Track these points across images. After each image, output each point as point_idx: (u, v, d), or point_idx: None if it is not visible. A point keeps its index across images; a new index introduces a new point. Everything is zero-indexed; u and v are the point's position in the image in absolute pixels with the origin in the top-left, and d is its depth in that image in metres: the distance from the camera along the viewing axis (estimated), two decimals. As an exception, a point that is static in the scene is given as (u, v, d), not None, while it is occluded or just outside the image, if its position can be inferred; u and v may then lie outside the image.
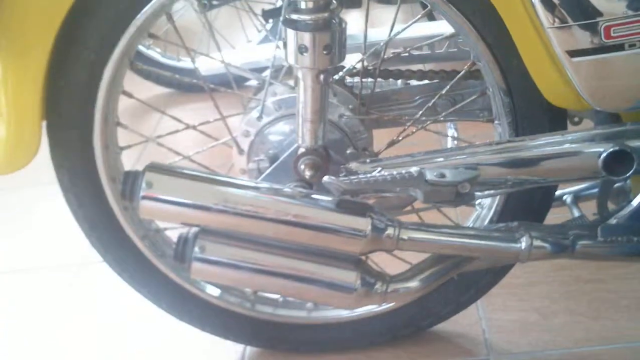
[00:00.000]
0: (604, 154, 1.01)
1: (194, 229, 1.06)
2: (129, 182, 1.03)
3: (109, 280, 1.28)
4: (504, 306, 1.36)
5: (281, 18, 1.02)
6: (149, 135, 1.23)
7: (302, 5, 0.99)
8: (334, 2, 1.01)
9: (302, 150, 1.08)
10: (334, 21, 1.00)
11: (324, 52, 1.00)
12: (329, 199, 1.03)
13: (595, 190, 1.20)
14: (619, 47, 0.96)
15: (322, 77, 1.02)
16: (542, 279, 1.39)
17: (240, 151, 1.18)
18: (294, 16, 1.00)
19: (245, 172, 1.18)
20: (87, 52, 1.07)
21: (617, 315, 1.30)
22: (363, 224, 1.01)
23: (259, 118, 1.15)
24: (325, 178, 1.02)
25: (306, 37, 0.99)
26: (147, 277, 1.26)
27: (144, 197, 1.02)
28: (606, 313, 1.31)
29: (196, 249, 1.04)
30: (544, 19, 0.97)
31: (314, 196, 1.04)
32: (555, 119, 1.11)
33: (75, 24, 1.05)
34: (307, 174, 1.08)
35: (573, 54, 0.98)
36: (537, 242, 1.04)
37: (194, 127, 1.23)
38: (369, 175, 1.02)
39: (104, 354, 1.40)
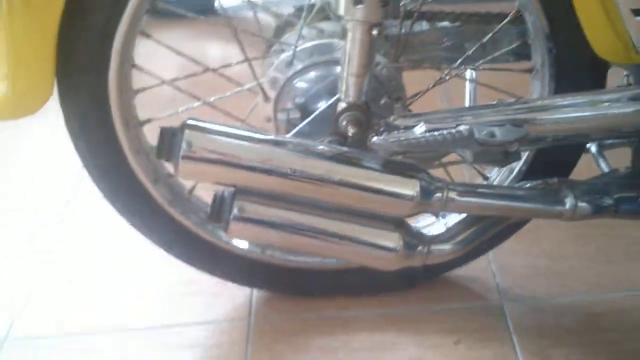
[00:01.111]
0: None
1: (230, 189, 1.01)
2: (166, 140, 0.96)
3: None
4: (514, 250, 1.36)
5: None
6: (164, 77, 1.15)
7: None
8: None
9: (343, 105, 1.03)
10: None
11: (380, 4, 0.93)
12: (376, 159, 0.99)
13: (619, 140, 1.19)
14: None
15: (374, 30, 0.96)
16: (550, 223, 1.39)
17: (267, 99, 1.11)
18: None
19: (270, 120, 1.12)
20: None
21: (627, 262, 1.32)
22: (411, 187, 0.98)
23: (290, 64, 1.09)
24: (375, 139, 0.98)
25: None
26: (159, 223, 1.21)
27: (184, 157, 0.95)
28: (616, 259, 1.33)
29: (235, 209, 0.98)
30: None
31: (360, 157, 0.99)
32: (596, 75, 1.08)
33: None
34: (350, 130, 1.03)
35: (637, 12, 0.95)
36: (581, 203, 1.03)
37: (215, 70, 1.15)
38: (419, 135, 0.98)
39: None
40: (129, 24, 1.03)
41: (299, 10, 1.15)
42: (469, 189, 1.02)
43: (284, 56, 1.09)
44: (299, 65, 1.09)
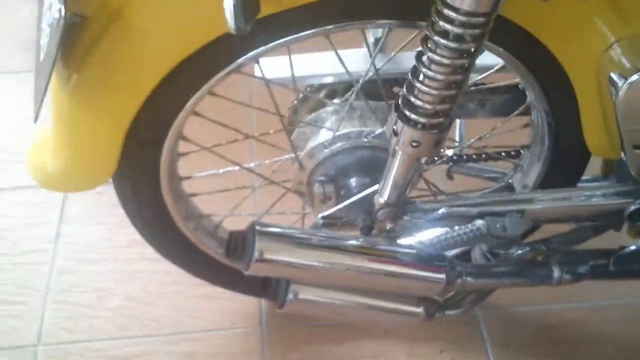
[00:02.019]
0: (632, 208, 1.22)
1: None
2: (238, 245, 1.10)
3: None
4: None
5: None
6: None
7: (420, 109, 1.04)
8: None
9: (381, 201, 1.18)
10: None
11: (433, 145, 1.07)
12: (409, 250, 1.17)
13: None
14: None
15: (421, 161, 1.11)
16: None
17: (302, 168, 1.25)
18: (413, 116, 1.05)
19: (303, 185, 1.27)
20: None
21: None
22: (439, 277, 1.17)
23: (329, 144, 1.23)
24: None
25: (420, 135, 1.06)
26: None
27: (257, 261, 1.09)
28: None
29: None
30: (622, 120, 1.10)
31: (397, 249, 1.17)
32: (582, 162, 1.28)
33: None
34: (388, 225, 1.19)
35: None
36: (565, 275, 1.25)
37: (255, 138, 1.27)
38: (448, 235, 1.16)
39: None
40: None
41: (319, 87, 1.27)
42: (480, 271, 1.22)
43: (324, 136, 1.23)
44: (337, 145, 1.22)
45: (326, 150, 1.23)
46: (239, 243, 1.10)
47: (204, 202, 1.34)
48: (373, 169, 1.24)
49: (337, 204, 1.24)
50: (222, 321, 1.50)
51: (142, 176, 1.21)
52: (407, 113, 1.04)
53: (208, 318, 1.50)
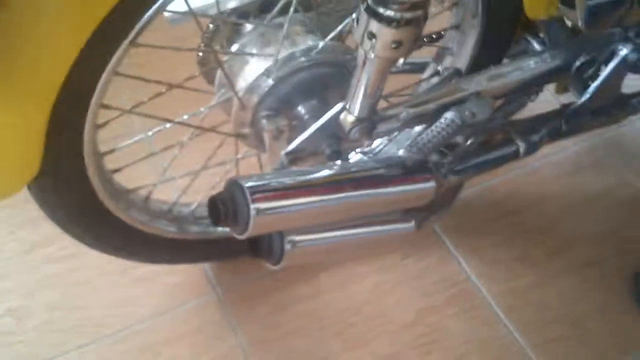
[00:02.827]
0: (577, 63, 1.20)
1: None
2: (228, 209, 0.95)
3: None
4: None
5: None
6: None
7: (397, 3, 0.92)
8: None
9: (352, 118, 1.06)
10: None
11: (393, 46, 0.96)
12: (393, 163, 1.07)
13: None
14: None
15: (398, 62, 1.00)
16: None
17: (243, 107, 1.10)
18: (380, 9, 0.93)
19: (245, 123, 1.12)
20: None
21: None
22: (430, 185, 1.09)
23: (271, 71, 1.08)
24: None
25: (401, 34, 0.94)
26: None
27: (255, 219, 0.95)
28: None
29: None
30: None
31: (384, 165, 1.07)
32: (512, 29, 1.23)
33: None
34: (365, 142, 1.08)
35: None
36: (529, 146, 1.22)
37: (180, 86, 1.10)
38: (426, 138, 1.08)
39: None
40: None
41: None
42: (461, 165, 1.15)
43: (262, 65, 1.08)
44: (282, 71, 1.08)
45: (270, 80, 1.08)
46: (228, 206, 0.96)
47: (135, 174, 1.15)
48: (325, 88, 1.12)
49: (292, 136, 1.11)
50: (171, 300, 1.33)
51: (64, 164, 1.01)
52: (382, 11, 0.92)
53: (154, 302, 1.33)
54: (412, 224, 1.13)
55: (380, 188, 1.05)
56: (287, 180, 0.99)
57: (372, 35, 0.94)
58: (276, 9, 1.09)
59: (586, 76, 1.23)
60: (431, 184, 1.08)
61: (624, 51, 1.22)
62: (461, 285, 1.38)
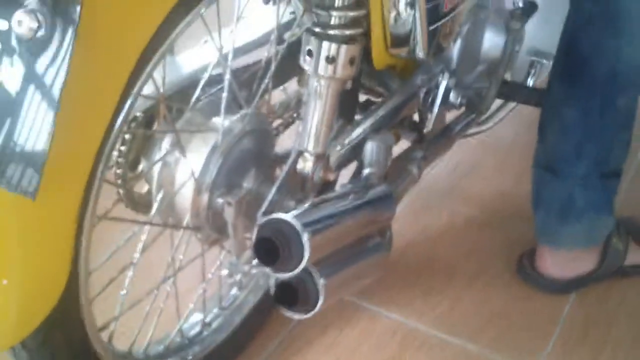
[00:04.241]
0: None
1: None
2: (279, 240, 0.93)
3: None
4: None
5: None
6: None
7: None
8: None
9: (311, 158, 1.10)
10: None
11: (349, 63, 1.06)
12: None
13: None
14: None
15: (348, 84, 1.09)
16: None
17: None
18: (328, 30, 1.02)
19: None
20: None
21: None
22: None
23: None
24: None
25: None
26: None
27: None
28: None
29: (321, 280, 1.01)
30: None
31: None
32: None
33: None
34: (331, 176, 1.12)
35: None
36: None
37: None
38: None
39: None
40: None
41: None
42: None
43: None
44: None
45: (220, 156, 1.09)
46: (281, 241, 0.94)
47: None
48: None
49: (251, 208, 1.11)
50: None
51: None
52: (335, 32, 1.03)
53: None
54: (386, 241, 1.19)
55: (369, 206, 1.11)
56: (322, 208, 1.01)
57: (331, 60, 1.03)
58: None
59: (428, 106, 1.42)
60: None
61: (444, 80, 1.43)
62: (401, 330, 1.43)
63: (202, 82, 1.09)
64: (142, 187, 1.13)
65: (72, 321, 0.92)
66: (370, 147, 1.19)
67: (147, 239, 1.09)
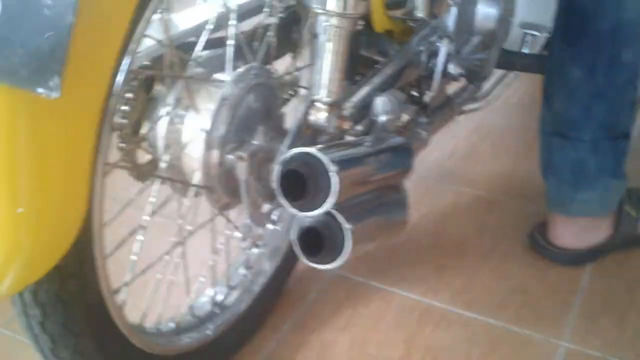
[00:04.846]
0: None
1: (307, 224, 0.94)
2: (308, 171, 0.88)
3: None
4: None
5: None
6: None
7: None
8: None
9: (325, 104, 1.04)
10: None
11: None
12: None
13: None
14: None
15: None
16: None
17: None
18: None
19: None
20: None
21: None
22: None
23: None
24: None
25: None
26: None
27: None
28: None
29: (347, 225, 0.94)
30: None
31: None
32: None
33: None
34: (348, 125, 1.07)
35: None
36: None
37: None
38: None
39: None
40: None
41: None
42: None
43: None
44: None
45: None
46: (308, 172, 0.88)
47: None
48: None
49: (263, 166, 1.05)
50: None
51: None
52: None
53: None
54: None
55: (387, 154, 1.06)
56: (343, 148, 0.97)
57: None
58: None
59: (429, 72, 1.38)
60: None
61: (444, 47, 1.39)
62: (418, 308, 1.36)
63: (205, 34, 1.04)
64: (145, 154, 1.07)
65: (86, 272, 0.85)
66: (381, 100, 1.14)
67: (156, 201, 1.02)
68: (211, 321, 1.19)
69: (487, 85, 1.59)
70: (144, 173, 1.04)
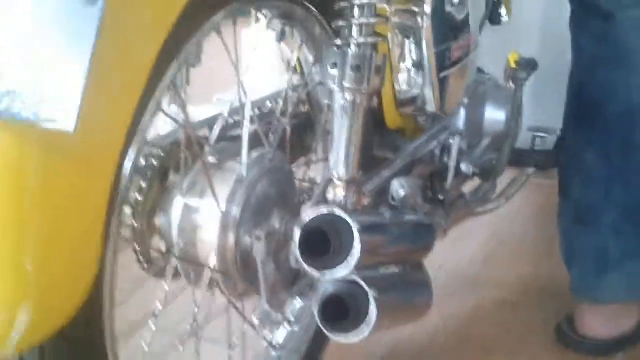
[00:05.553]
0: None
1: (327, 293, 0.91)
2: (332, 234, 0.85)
3: None
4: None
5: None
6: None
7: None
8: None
9: (341, 183, 1.03)
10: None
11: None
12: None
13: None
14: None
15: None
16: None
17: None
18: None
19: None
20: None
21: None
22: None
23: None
24: None
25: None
26: None
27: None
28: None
29: (372, 292, 0.91)
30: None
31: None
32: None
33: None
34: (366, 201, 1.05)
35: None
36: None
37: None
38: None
39: None
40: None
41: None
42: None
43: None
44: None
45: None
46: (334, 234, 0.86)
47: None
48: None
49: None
50: None
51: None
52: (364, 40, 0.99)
53: None
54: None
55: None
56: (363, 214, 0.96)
57: (356, 68, 0.99)
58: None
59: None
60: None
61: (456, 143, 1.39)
62: None
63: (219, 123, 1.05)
64: (159, 244, 1.05)
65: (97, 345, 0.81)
66: (398, 182, 1.13)
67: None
68: None
69: (500, 188, 1.58)
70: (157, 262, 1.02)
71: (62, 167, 0.65)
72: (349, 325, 0.90)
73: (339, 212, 0.87)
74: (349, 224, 0.86)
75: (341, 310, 0.90)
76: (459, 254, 1.82)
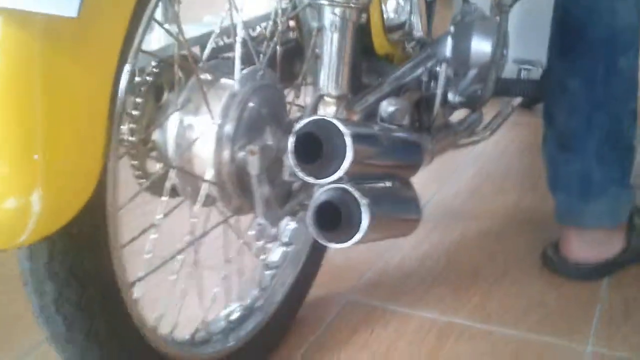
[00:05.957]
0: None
1: (320, 200, 0.94)
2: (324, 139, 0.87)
3: None
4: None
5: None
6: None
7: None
8: None
9: (332, 100, 1.05)
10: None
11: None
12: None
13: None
14: None
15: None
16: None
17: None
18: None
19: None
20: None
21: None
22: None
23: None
24: None
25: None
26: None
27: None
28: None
29: (364, 200, 0.93)
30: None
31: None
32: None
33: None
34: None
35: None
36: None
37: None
38: None
39: None
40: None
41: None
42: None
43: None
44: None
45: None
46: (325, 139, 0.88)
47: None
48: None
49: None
50: None
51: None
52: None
53: None
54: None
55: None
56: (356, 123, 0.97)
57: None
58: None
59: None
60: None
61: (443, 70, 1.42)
62: (437, 325, 1.34)
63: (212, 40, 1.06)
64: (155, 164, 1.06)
65: (101, 246, 0.83)
66: (387, 101, 1.15)
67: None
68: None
69: (485, 121, 1.61)
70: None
71: (66, 55, 0.66)
72: (341, 232, 0.92)
73: (330, 118, 0.89)
74: (340, 130, 0.87)
75: (334, 219, 0.92)
76: (445, 189, 1.86)
